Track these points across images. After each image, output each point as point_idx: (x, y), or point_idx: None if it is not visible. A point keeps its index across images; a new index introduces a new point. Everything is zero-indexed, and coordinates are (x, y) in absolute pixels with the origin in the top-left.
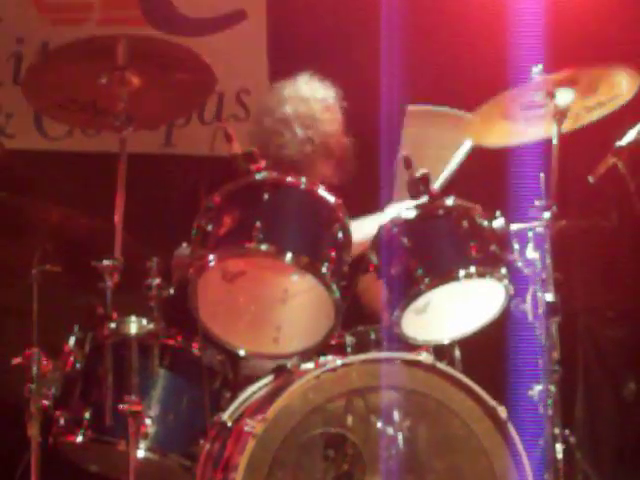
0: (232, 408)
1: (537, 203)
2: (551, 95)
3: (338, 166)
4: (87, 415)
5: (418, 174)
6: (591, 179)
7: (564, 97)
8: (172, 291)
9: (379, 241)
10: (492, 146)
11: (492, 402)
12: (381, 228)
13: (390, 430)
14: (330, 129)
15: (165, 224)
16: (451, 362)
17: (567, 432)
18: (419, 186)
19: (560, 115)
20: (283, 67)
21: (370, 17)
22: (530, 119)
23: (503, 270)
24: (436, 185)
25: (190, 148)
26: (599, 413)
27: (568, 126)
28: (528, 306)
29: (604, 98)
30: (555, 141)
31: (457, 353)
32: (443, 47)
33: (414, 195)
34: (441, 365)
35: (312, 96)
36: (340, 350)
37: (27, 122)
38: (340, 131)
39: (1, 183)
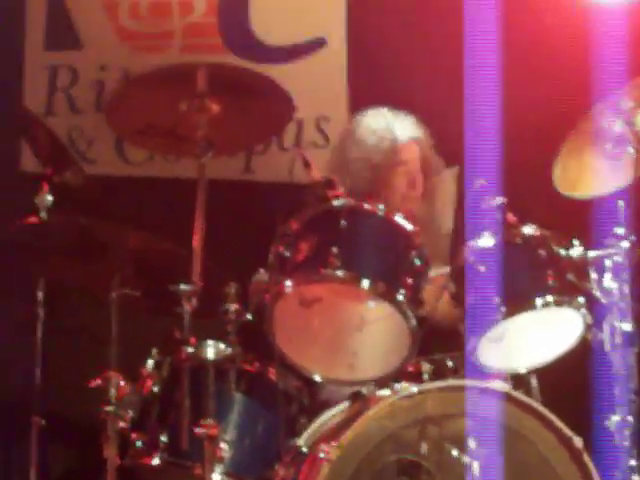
0: (307, 434)
1: (615, 231)
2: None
3: (422, 199)
4: (164, 438)
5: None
6: None
7: None
8: (249, 316)
9: (456, 269)
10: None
11: (568, 431)
12: (458, 256)
13: (465, 458)
14: (413, 165)
15: (243, 250)
16: (528, 391)
17: None
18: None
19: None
20: (363, 94)
21: (452, 44)
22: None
23: (580, 299)
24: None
25: (269, 175)
26: None
27: None
28: (605, 335)
29: None
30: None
31: (534, 382)
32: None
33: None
34: (517, 394)
35: (394, 132)
36: (416, 377)
37: (108, 148)
38: (425, 165)
39: (82, 208)
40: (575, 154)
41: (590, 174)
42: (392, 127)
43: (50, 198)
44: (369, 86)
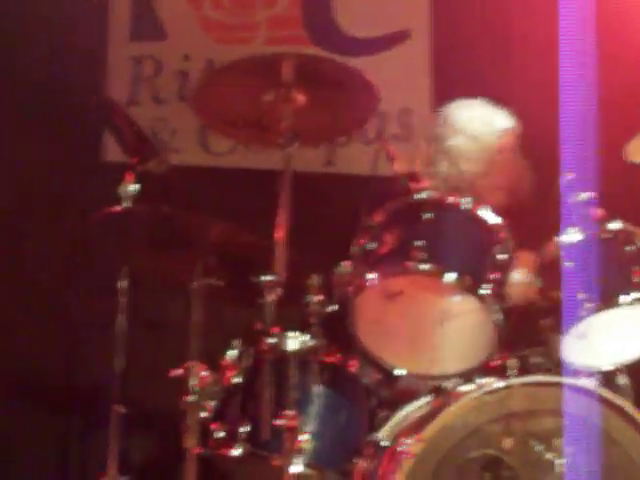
0: (388, 427)
1: None
2: None
3: (509, 194)
4: (244, 429)
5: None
6: None
7: None
8: (332, 308)
9: (544, 264)
10: None
11: None
12: (546, 250)
13: (549, 455)
14: (508, 155)
15: (326, 242)
16: (617, 390)
17: None
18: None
19: None
20: (446, 87)
21: (538, 34)
22: None
23: None
24: None
25: (351, 167)
26: None
27: None
28: None
29: None
30: None
31: (624, 380)
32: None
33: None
34: (604, 392)
35: (482, 127)
36: (501, 372)
37: (191, 138)
38: (512, 161)
39: (165, 198)
40: None
41: None
42: (491, 116)
43: (134, 188)
44: (452, 78)
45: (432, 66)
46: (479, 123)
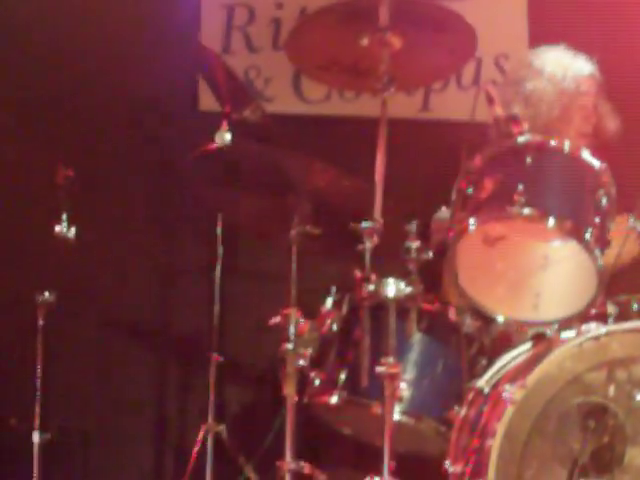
0: (489, 375)
1: None
2: None
3: (593, 140)
4: (342, 376)
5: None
6: None
7: None
8: (431, 255)
9: None
10: None
11: None
12: None
13: None
14: (590, 100)
15: (424, 188)
16: None
17: None
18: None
19: None
20: (543, 32)
21: None
22: None
23: None
24: None
25: (447, 113)
26: None
27: None
28: None
29: None
30: None
31: None
32: None
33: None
34: None
35: (561, 71)
36: (602, 319)
37: (285, 86)
38: (594, 107)
39: (262, 146)
40: None
41: None
42: (573, 60)
43: (229, 136)
44: (550, 23)
45: (530, 10)
46: (559, 67)
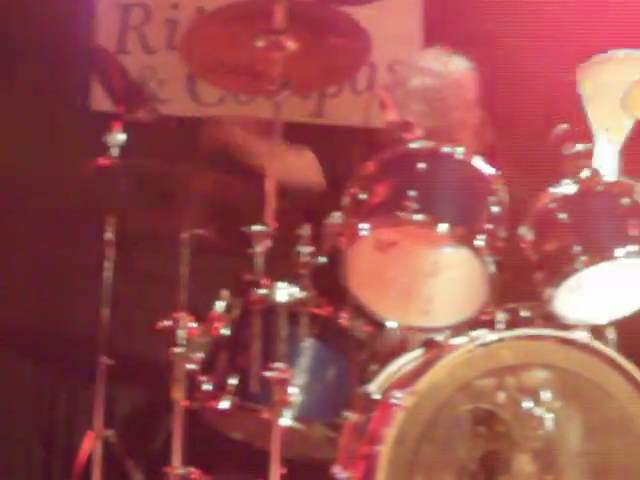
0: (379, 380)
1: None
2: None
3: (474, 138)
4: (232, 381)
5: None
6: None
7: None
8: (323, 259)
9: (536, 215)
10: None
11: None
12: (537, 203)
13: (540, 410)
14: (471, 93)
15: (317, 192)
16: (605, 343)
17: None
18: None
19: None
20: (437, 38)
21: None
22: None
23: None
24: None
25: (341, 117)
26: None
27: None
28: None
29: None
30: None
31: (612, 335)
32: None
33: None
34: (597, 344)
35: (438, 69)
36: (491, 326)
37: (180, 88)
38: (473, 103)
39: (155, 148)
40: None
41: None
42: (451, 56)
43: (122, 137)
44: (443, 30)
45: (424, 17)
46: (439, 63)
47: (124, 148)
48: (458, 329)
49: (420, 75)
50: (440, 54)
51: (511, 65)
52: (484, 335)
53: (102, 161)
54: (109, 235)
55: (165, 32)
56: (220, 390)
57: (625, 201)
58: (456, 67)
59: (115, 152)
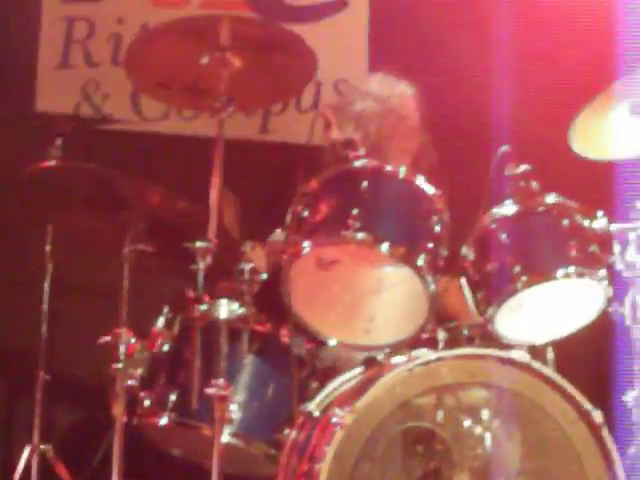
0: (319, 398)
1: (639, 205)
2: None
3: (414, 162)
4: (173, 398)
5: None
6: None
7: None
8: (264, 277)
9: (477, 236)
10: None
11: (587, 405)
12: (479, 223)
13: (478, 429)
14: (414, 119)
15: (260, 210)
16: (544, 363)
17: None
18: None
19: None
20: (383, 57)
21: (474, 8)
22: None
23: (602, 272)
24: None
25: (286, 135)
26: None
27: None
28: (626, 310)
29: None
30: None
31: (550, 355)
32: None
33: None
34: (536, 364)
35: (382, 94)
36: (432, 345)
37: (124, 103)
38: (416, 126)
39: (97, 162)
40: (598, 115)
41: (610, 136)
42: (396, 82)
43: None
44: (389, 49)
45: (370, 36)
46: (384, 87)
47: (66, 154)
48: (398, 347)
49: (365, 99)
50: (386, 79)
51: (454, 88)
52: (424, 354)
53: (44, 165)
54: (48, 248)
55: (109, 46)
56: (160, 406)
57: (565, 222)
58: (402, 92)
59: (58, 156)
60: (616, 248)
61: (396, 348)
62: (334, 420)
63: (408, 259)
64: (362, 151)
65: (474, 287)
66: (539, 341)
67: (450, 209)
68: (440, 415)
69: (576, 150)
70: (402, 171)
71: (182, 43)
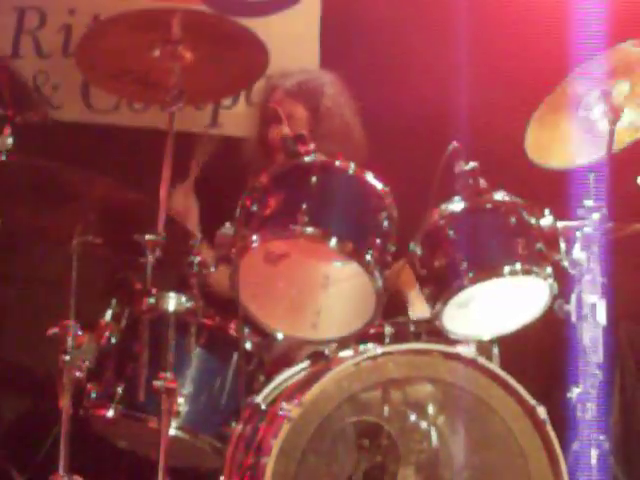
0: (266, 391)
1: (587, 203)
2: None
3: (339, 143)
4: (120, 390)
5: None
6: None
7: (619, 90)
8: (213, 270)
9: (425, 232)
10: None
11: (532, 401)
12: (427, 219)
13: (424, 424)
14: (327, 110)
15: (209, 203)
16: (489, 359)
17: (602, 438)
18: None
19: (614, 112)
20: (336, 52)
21: (429, 6)
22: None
23: (548, 269)
24: None
25: (236, 129)
26: (635, 420)
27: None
28: (572, 307)
29: None
30: (608, 140)
31: (495, 350)
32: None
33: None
34: (482, 360)
35: (302, 78)
36: (378, 340)
37: (74, 94)
38: (339, 111)
39: (47, 153)
40: (548, 123)
41: (563, 144)
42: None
43: (10, 140)
44: (341, 44)
45: (322, 30)
46: (299, 76)
47: (12, 152)
48: (345, 342)
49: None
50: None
51: (406, 84)
52: (371, 348)
53: None
54: None
55: (60, 37)
56: (107, 398)
57: (513, 219)
58: (321, 79)
59: (3, 155)
60: (562, 246)
61: (343, 342)
62: (281, 413)
63: (356, 254)
64: (312, 146)
65: (422, 283)
66: (485, 337)
67: (398, 205)
68: (386, 409)
69: (531, 158)
70: (352, 167)
71: (134, 35)
